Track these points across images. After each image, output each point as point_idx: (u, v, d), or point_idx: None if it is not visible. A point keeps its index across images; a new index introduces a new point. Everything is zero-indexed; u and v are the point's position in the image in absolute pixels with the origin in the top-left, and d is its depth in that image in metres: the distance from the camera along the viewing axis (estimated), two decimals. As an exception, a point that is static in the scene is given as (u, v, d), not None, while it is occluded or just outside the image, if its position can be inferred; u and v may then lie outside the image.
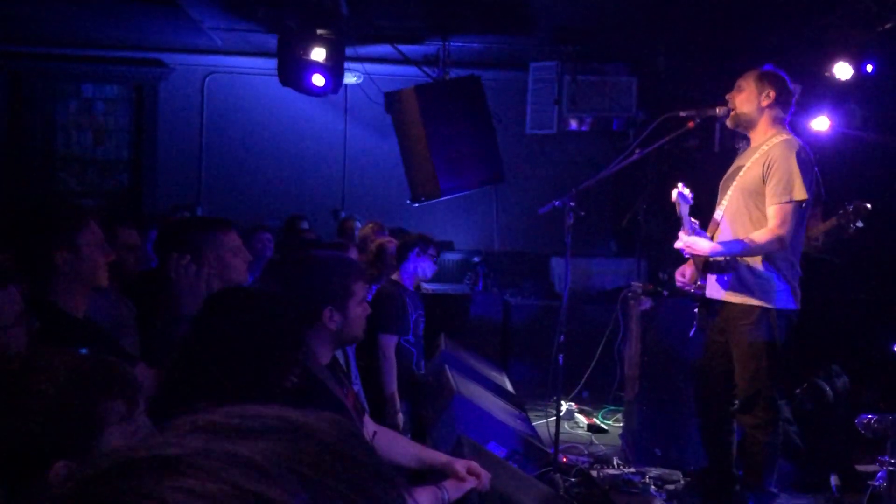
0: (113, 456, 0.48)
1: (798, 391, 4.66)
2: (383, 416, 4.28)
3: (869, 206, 4.53)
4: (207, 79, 8.90)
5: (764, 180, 3.74)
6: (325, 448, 0.50)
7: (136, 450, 0.48)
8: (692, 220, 3.71)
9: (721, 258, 3.86)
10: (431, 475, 2.69)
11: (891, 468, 3.11)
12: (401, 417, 4.33)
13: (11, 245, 2.48)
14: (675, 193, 3.68)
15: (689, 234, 3.70)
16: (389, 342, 4.53)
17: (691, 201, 3.68)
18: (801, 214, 3.74)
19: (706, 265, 3.96)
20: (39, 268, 2.39)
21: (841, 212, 4.57)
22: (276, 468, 0.47)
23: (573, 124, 7.48)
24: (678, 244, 3.79)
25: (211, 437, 0.49)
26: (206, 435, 0.50)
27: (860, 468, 4.16)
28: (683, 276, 4.06)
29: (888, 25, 5.38)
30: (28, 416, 1.31)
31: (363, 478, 0.51)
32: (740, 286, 3.81)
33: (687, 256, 4.00)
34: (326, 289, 2.50)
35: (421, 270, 5.01)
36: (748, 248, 3.74)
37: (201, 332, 2.07)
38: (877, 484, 3.35)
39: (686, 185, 3.69)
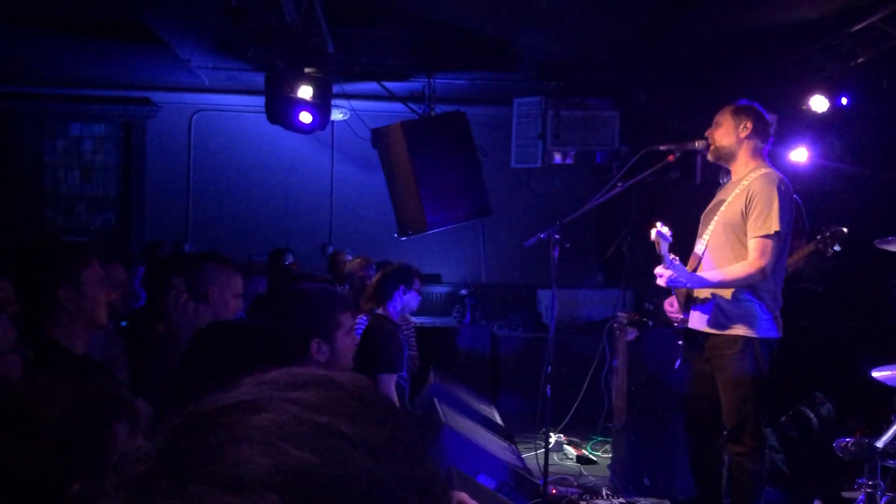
0: (195, 406, 0.59)
1: (783, 419, 4.72)
2: None
3: (846, 229, 4.62)
4: (195, 116, 8.98)
5: (745, 214, 3.83)
6: (351, 395, 0.61)
7: (212, 401, 0.59)
8: (671, 255, 3.78)
9: (704, 291, 3.93)
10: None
11: (869, 490, 3.16)
12: None
13: (14, 280, 2.51)
14: (653, 232, 3.76)
15: (667, 269, 3.76)
16: (390, 381, 4.49)
17: (670, 239, 3.76)
18: (780, 246, 3.82)
19: (689, 298, 4.02)
20: (41, 303, 2.41)
21: (818, 237, 4.66)
22: (327, 406, 0.59)
23: (557, 158, 7.59)
24: (659, 281, 3.85)
25: (266, 388, 0.61)
26: (262, 387, 0.61)
27: (845, 495, 4.20)
28: (672, 305, 4.12)
29: (861, 59, 5.54)
30: (35, 443, 1.34)
31: (382, 417, 0.61)
32: (723, 317, 3.88)
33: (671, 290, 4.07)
34: (313, 321, 2.54)
35: (407, 306, 5.05)
36: (728, 280, 3.81)
37: (190, 366, 2.10)
38: (858, 508, 3.39)
39: (665, 222, 3.77)
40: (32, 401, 1.38)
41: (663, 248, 3.72)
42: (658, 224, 3.73)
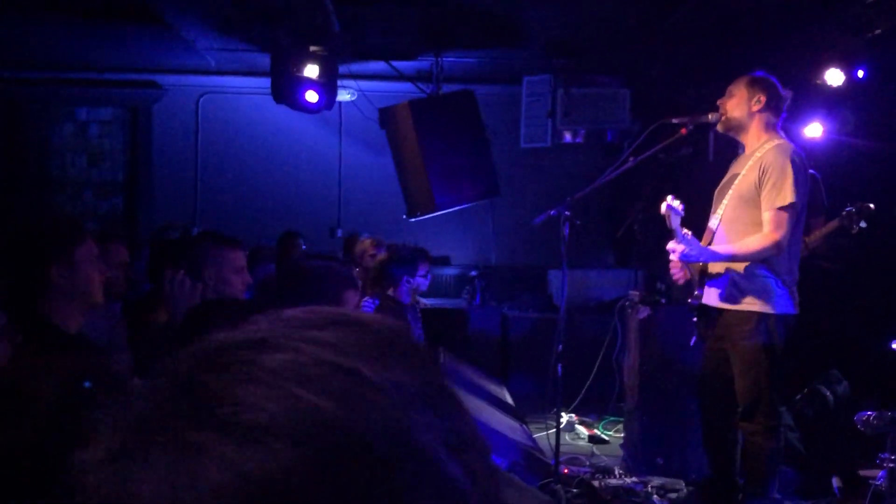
0: (208, 341, 0.54)
1: (798, 397, 4.65)
2: None
3: (872, 206, 4.53)
4: (201, 99, 8.92)
5: (758, 186, 3.74)
6: (380, 337, 0.56)
7: (220, 339, 0.54)
8: (684, 230, 3.70)
9: (718, 265, 3.85)
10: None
11: (891, 465, 3.09)
12: None
13: (6, 260, 2.46)
14: (664, 206, 3.67)
15: (680, 244, 3.68)
16: None
17: (681, 213, 3.67)
18: (795, 218, 3.73)
19: (703, 274, 3.95)
20: (34, 283, 2.37)
21: (844, 213, 4.58)
22: (350, 348, 0.53)
23: (567, 137, 7.49)
24: (671, 256, 3.77)
25: (283, 325, 0.55)
26: (279, 324, 0.55)
27: (863, 473, 4.14)
28: (676, 268, 4.04)
29: (878, 31, 5.42)
30: (26, 424, 1.29)
31: (415, 363, 0.55)
32: (738, 292, 3.80)
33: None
34: (316, 298, 2.49)
35: (415, 289, 5.03)
36: (743, 254, 3.73)
37: (183, 344, 2.05)
38: (878, 483, 3.33)
39: (676, 197, 3.69)
40: (24, 379, 1.34)
41: (674, 221, 3.64)
42: (668, 197, 3.65)
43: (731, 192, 3.90)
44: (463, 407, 0.56)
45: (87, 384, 1.46)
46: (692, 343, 4.15)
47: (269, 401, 0.47)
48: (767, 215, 3.71)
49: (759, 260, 3.74)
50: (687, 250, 3.69)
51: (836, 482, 3.75)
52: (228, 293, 2.86)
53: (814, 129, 5.84)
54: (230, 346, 0.52)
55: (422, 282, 5.02)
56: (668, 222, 3.68)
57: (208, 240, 2.95)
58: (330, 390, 0.49)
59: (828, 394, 4.66)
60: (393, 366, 0.53)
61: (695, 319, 4.03)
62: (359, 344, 0.53)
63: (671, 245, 3.72)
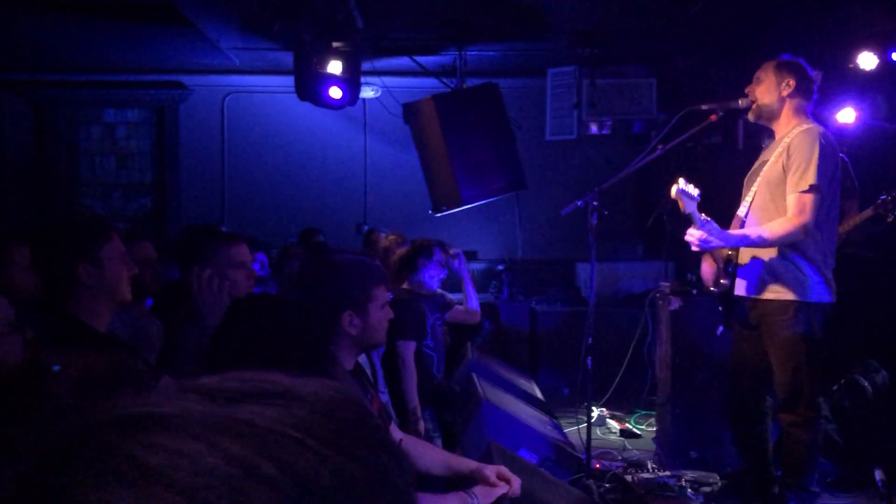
0: (71, 417, 0.43)
1: (835, 388, 4.55)
2: (405, 424, 4.21)
3: None
4: (227, 99, 8.96)
5: (785, 171, 3.66)
6: (316, 412, 0.46)
7: (103, 411, 0.43)
8: (702, 215, 3.60)
9: (747, 254, 3.77)
10: (461, 482, 2.63)
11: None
12: (422, 425, 4.25)
13: (36, 259, 2.48)
14: (674, 190, 3.59)
15: (698, 230, 3.59)
16: (407, 348, 4.41)
17: (697, 197, 3.58)
18: (822, 201, 3.61)
19: (727, 262, 3.87)
20: (62, 281, 2.38)
21: (878, 201, 4.47)
22: (266, 433, 0.43)
23: (593, 128, 7.41)
24: (691, 243, 3.67)
25: (203, 399, 0.45)
26: (200, 397, 0.46)
27: (905, 465, 4.04)
28: (710, 268, 3.97)
29: (912, 12, 5.29)
30: (37, 419, 1.28)
31: (356, 444, 0.46)
32: (774, 281, 3.71)
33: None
34: (345, 293, 2.46)
35: (434, 277, 4.96)
36: (766, 238, 3.64)
37: (224, 340, 2.03)
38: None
39: (706, 189, 3.60)
40: (40, 375, 1.32)
41: (689, 206, 3.55)
42: (680, 180, 3.55)
43: (759, 179, 3.82)
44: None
45: (55, 368, 1.42)
46: (719, 332, 4.07)
47: None
48: (791, 199, 3.61)
49: (790, 247, 3.65)
50: (706, 236, 3.58)
51: (879, 474, 3.65)
52: (234, 290, 2.83)
53: (846, 115, 5.71)
54: (101, 425, 0.42)
55: (438, 270, 4.95)
56: (681, 207, 3.59)
57: (205, 237, 2.94)
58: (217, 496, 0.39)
59: (866, 384, 4.56)
60: (315, 437, 0.44)
61: (720, 308, 3.95)
62: (278, 420, 0.44)
63: (690, 232, 3.63)
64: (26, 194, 8.92)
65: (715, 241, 3.64)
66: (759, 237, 3.64)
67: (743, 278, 3.81)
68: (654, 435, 5.35)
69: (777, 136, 3.84)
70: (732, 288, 3.85)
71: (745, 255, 3.80)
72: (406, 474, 0.49)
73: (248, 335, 1.98)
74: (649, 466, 4.59)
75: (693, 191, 3.56)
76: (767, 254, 3.71)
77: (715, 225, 3.64)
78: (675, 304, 4.84)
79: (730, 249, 3.85)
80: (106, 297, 2.45)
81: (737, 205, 3.97)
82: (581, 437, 4.54)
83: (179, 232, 7.78)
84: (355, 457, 0.45)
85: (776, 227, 3.61)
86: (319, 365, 2.03)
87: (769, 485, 3.95)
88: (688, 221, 3.67)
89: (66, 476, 0.39)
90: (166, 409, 0.43)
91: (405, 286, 4.85)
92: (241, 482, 0.40)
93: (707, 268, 4.00)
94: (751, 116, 3.89)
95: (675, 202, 3.70)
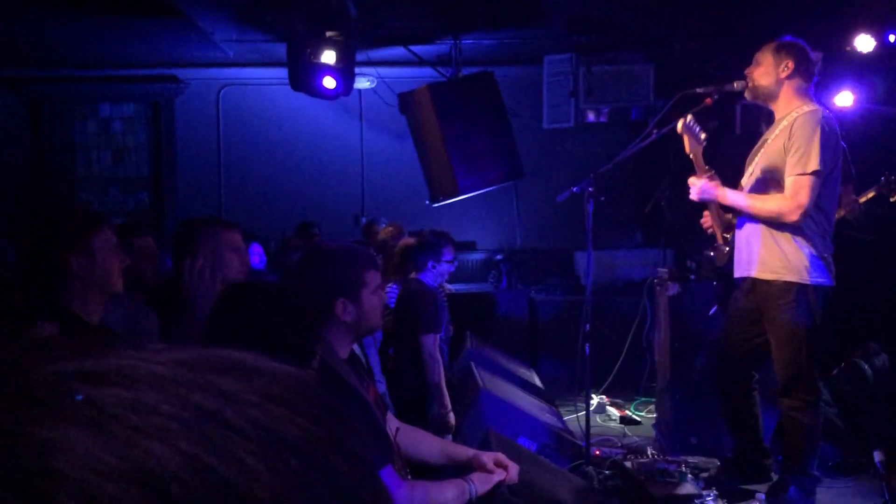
0: (35, 367, 0.42)
1: (836, 371, 4.53)
2: (429, 418, 4.16)
3: None
4: (222, 92, 8.93)
5: (786, 151, 3.64)
6: (279, 383, 0.44)
7: (63, 365, 0.41)
8: (707, 168, 3.68)
9: (746, 235, 3.77)
10: (459, 470, 2.62)
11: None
12: (452, 417, 4.20)
13: (27, 250, 2.46)
14: (680, 124, 3.63)
15: (702, 179, 3.67)
16: (432, 342, 4.31)
17: (704, 141, 3.63)
18: (819, 186, 3.61)
19: (728, 227, 3.90)
20: (54, 272, 2.36)
21: (882, 181, 4.45)
22: (230, 394, 0.42)
23: (591, 116, 7.37)
24: (691, 191, 3.75)
25: (170, 365, 0.43)
26: (166, 364, 0.44)
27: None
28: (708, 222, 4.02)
29: (909, -7, 5.25)
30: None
31: (319, 412, 0.45)
32: (773, 262, 3.70)
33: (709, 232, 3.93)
34: (337, 280, 2.45)
35: (441, 274, 4.91)
36: (760, 209, 3.67)
37: (216, 327, 2.01)
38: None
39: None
40: (24, 363, 1.30)
41: (693, 147, 3.61)
42: (688, 116, 3.60)
43: (758, 157, 3.82)
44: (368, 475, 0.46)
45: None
46: (712, 312, 4.07)
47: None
48: (789, 181, 3.62)
49: (790, 229, 3.64)
50: (706, 186, 3.69)
51: (878, 456, 3.63)
52: (227, 273, 2.81)
53: (844, 98, 5.68)
54: (62, 375, 0.40)
55: (448, 267, 4.90)
56: (686, 146, 3.64)
57: (198, 222, 2.91)
58: (190, 441, 0.38)
59: (866, 367, 4.54)
60: (271, 414, 0.42)
61: (714, 283, 3.97)
62: (253, 389, 0.43)
63: (692, 180, 3.71)
64: (23, 191, 8.89)
65: (713, 193, 3.74)
66: (753, 204, 3.70)
67: (743, 259, 3.81)
68: (653, 421, 5.34)
69: (777, 116, 3.83)
70: (732, 262, 3.89)
71: (743, 236, 3.80)
72: (368, 457, 0.47)
73: (240, 320, 1.97)
74: (649, 453, 4.57)
75: (701, 136, 3.60)
76: (767, 235, 3.70)
77: (715, 176, 3.73)
78: (674, 289, 4.82)
79: (730, 214, 3.90)
80: (98, 288, 2.42)
81: (735, 187, 3.96)
82: (580, 425, 4.52)
83: (177, 226, 7.76)
84: (320, 421, 0.44)
85: (771, 203, 3.64)
86: (312, 351, 2.01)
87: (763, 458, 3.97)
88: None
89: (19, 414, 0.38)
90: (130, 362, 0.41)
91: (413, 276, 4.75)
92: (204, 425, 0.39)
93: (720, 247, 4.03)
94: (748, 95, 3.88)
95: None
